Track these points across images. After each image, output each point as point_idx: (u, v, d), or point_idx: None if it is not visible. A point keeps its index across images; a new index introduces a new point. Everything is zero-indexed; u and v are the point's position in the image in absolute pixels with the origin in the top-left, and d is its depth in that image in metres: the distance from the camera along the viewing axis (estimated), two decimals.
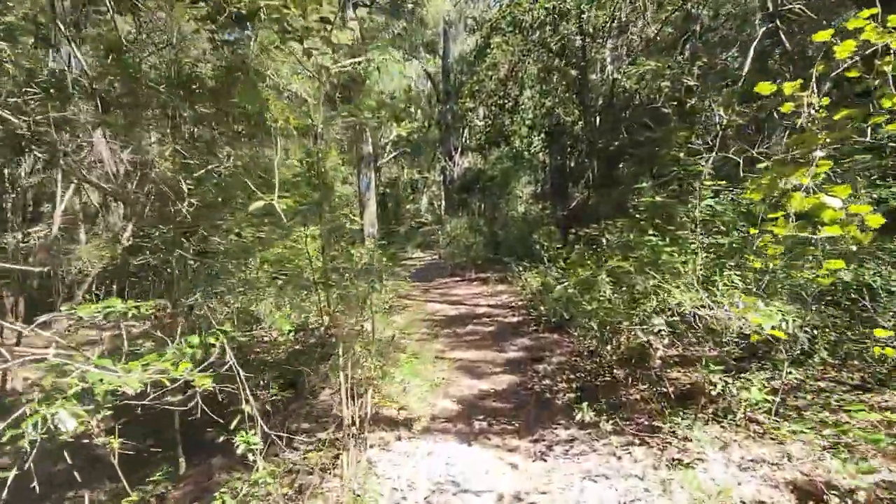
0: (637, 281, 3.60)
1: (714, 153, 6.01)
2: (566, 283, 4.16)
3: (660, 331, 3.78)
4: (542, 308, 7.47)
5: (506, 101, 13.81)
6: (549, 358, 6.34)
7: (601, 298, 4.07)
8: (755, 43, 6.09)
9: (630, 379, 4.95)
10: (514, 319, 8.45)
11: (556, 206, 15.74)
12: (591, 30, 12.51)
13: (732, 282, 3.26)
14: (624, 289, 3.91)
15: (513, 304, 9.67)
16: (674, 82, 6.57)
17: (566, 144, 14.94)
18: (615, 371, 5.20)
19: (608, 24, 12.45)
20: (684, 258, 3.59)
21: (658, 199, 4.26)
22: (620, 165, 16.06)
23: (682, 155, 6.17)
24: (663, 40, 12.94)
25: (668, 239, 3.85)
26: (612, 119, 14.58)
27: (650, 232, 4.11)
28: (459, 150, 27.68)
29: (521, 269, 11.55)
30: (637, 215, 4.52)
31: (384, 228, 22.99)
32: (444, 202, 30.78)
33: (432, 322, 8.88)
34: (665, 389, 4.05)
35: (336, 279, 6.19)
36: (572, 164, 16.48)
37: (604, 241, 7.67)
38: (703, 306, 3.29)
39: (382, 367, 4.34)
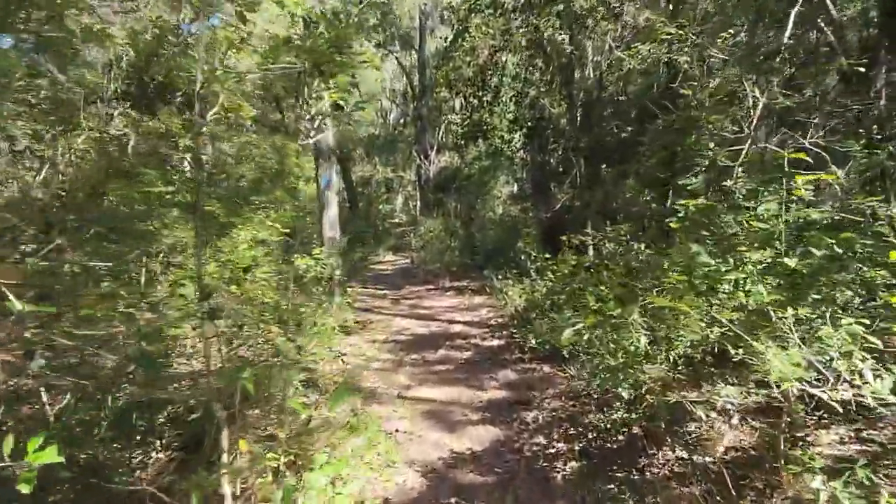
0: (688, 326, 2.33)
1: (749, 144, 4.79)
2: (577, 323, 2.87)
3: (729, 407, 2.55)
4: (529, 335, 6.17)
5: (485, 93, 12.49)
6: (539, 400, 5.02)
7: (633, 350, 2.79)
8: (796, 8, 4.88)
9: (656, 443, 3.66)
10: (495, 343, 7.12)
11: (537, 207, 14.52)
12: (579, 12, 11.30)
13: (853, 335, 2.03)
14: (665, 333, 2.65)
15: (492, 321, 8.35)
16: (694, 57, 5.38)
17: (549, 140, 13.71)
18: (633, 428, 3.90)
19: (598, 9, 11.25)
20: (761, 293, 2.33)
21: (699, 201, 3.00)
22: (604, 166, 14.94)
23: (712, 145, 4.96)
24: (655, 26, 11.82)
25: (727, 259, 2.59)
26: (601, 113, 13.41)
27: (694, 247, 2.84)
28: (435, 147, 26.35)
29: (501, 279, 10.26)
30: (668, 221, 3.25)
31: (355, 229, 21.51)
32: (419, 202, 29.43)
33: (397, 344, 7.50)
34: (722, 476, 2.77)
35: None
36: (555, 163, 15.30)
37: (603, 250, 6.41)
38: (817, 379, 2.04)
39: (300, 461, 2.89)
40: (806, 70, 5.48)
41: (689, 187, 3.88)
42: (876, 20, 6.10)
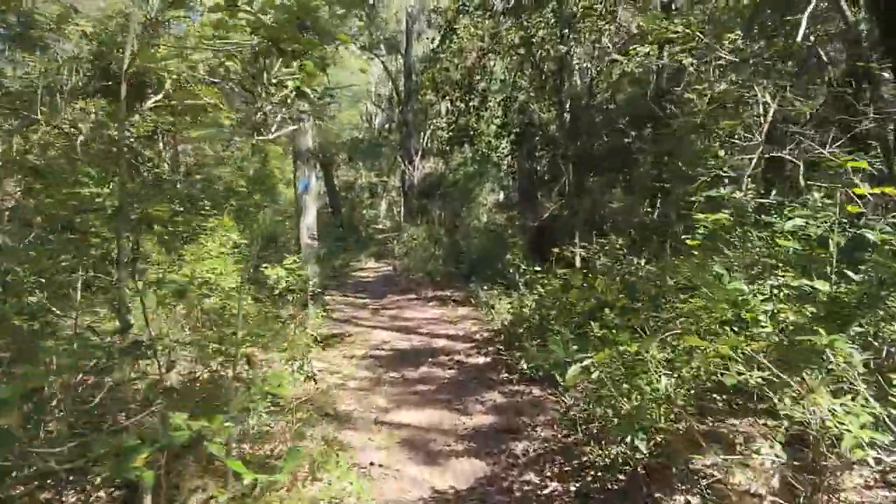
0: (725, 369, 1.92)
1: (759, 153, 4.42)
2: (584, 359, 2.43)
3: (771, 463, 2.14)
4: (520, 359, 5.73)
5: (472, 97, 12.10)
6: (530, 429, 4.58)
7: (652, 393, 2.36)
8: (810, 8, 4.55)
9: (664, 485, 3.24)
10: (481, 360, 6.67)
11: (524, 216, 14.16)
12: (572, 13, 10.99)
13: None
14: (693, 373, 2.22)
15: (478, 335, 7.90)
16: (701, 59, 5.04)
17: (538, 147, 13.37)
18: (637, 468, 3.48)
19: (594, 8, 10.95)
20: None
21: (720, 215, 2.60)
22: (592, 174, 14.64)
23: (721, 153, 4.59)
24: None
25: (758, 284, 2.19)
26: (591, 120, 13.13)
27: (716, 268, 2.44)
28: (420, 153, 25.93)
29: (487, 290, 9.84)
30: (681, 233, 2.85)
31: (336, 236, 20.94)
32: (403, 208, 28.92)
33: (376, 360, 7.02)
34: None
35: None
36: (544, 170, 14.97)
37: (596, 264, 6.02)
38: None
39: None
40: (816, 73, 5.19)
41: (710, 198, 3.49)
42: (865, 34, 5.81)
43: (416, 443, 4.50)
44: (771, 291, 2.24)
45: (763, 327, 2.09)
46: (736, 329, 2.27)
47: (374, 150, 27.96)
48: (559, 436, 4.37)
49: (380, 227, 32.75)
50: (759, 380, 1.93)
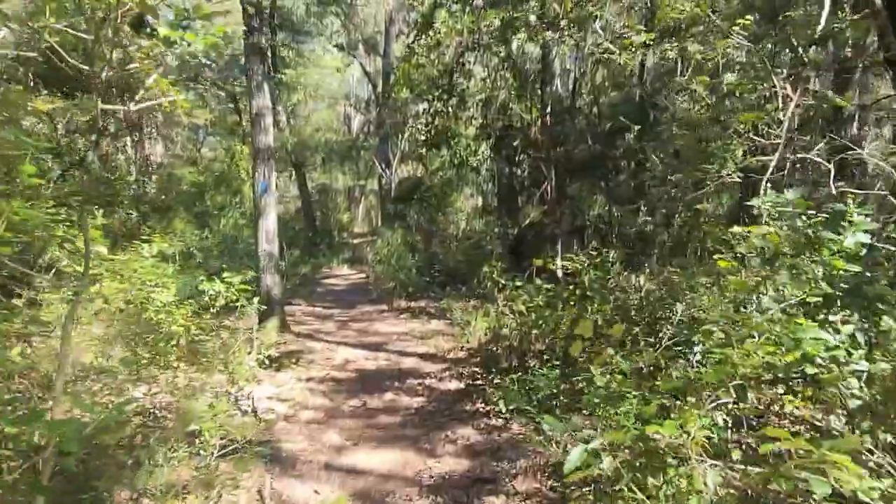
0: (840, 478, 1.25)
1: (779, 153, 3.78)
2: (592, 438, 1.72)
3: None
4: (493, 393, 5.00)
5: (450, 97, 11.38)
6: (509, 477, 3.84)
7: (689, 492, 1.66)
8: None
9: None
10: (453, 385, 5.92)
11: (503, 223, 13.50)
12: (555, 12, 10.39)
13: None
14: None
15: (451, 354, 7.16)
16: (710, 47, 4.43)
17: (518, 150, 12.73)
18: None
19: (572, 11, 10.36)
20: None
21: (768, 229, 1.93)
22: (571, 180, 14.05)
23: (739, 153, 3.93)
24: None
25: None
26: (573, 121, 12.56)
27: (765, 301, 1.76)
28: (398, 156, 25.19)
29: (462, 302, 9.13)
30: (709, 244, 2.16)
31: (305, 241, 19.99)
32: (380, 213, 28.04)
33: (337, 383, 6.23)
34: None
35: None
36: (524, 175, 14.35)
37: (585, 277, 5.35)
38: None
39: None
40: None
41: (766, 204, 2.80)
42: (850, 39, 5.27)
43: (371, 498, 3.72)
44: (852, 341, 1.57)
45: (854, 395, 1.42)
46: (801, 390, 1.58)
47: (349, 152, 27.01)
48: (544, 488, 3.65)
49: (357, 231, 31.84)
50: (880, 490, 1.25)
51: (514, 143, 13.02)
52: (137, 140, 23.88)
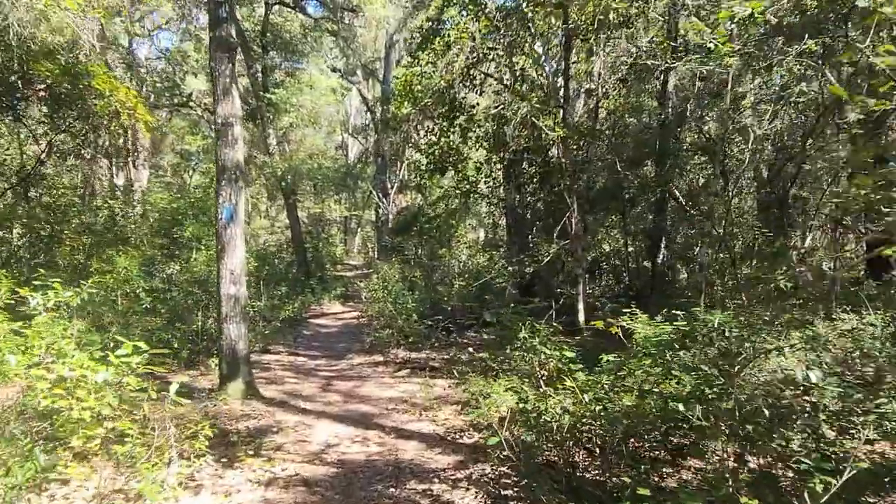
0: None
1: None
2: None
3: None
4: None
5: (457, 114, 9.87)
6: None
7: None
8: None
9: None
10: (473, 500, 4.12)
11: (517, 259, 11.82)
12: (578, 22, 9.00)
13: None
14: None
15: (466, 437, 5.38)
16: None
17: (536, 176, 11.18)
18: None
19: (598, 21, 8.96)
20: None
21: None
22: (594, 212, 12.47)
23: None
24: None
25: None
26: (597, 146, 11.06)
27: None
28: (396, 186, 23.78)
29: (474, 360, 7.41)
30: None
31: (296, 276, 18.23)
32: (377, 245, 26.45)
33: (308, 490, 4.41)
34: None
35: None
36: (537, 204, 12.76)
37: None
38: None
39: None
40: None
41: None
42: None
43: None
44: None
45: None
46: None
47: (343, 180, 25.52)
48: None
49: (352, 263, 30.10)
50: None
51: (530, 168, 11.50)
52: (118, 166, 22.36)
